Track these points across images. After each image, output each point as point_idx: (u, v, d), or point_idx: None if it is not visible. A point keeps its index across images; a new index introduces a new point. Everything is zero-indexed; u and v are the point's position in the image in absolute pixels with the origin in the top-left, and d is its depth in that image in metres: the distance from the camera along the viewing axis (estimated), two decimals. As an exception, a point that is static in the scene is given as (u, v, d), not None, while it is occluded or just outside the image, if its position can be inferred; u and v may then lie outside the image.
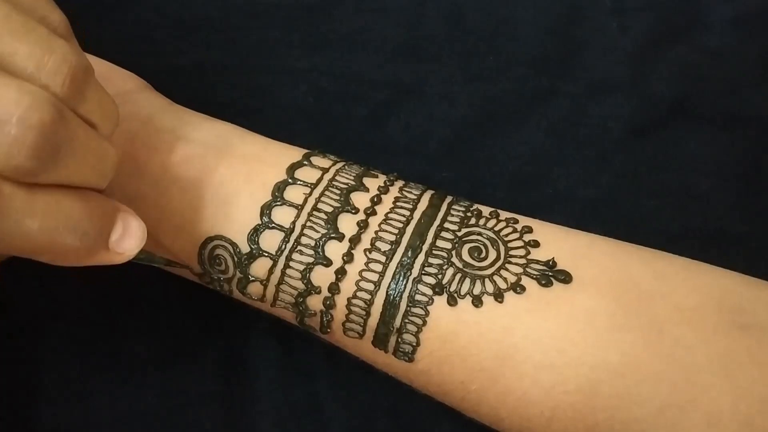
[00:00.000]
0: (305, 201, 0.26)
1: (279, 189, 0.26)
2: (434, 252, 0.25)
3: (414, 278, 0.25)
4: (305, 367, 0.30)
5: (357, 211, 0.26)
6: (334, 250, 0.25)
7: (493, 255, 0.25)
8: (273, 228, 0.26)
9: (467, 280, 0.25)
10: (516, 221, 0.26)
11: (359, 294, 0.25)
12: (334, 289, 0.25)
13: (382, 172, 0.28)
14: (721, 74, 0.34)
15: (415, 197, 0.27)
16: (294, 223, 0.26)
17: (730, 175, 0.33)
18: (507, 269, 0.25)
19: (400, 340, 0.25)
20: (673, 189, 0.33)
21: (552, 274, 0.24)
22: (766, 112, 0.34)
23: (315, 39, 0.36)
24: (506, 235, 0.26)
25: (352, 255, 0.25)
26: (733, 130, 0.33)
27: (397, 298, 0.25)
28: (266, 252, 0.26)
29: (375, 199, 0.26)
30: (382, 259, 0.25)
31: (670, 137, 0.34)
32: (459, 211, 0.26)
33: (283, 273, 0.26)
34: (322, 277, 0.25)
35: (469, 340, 0.24)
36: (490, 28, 0.36)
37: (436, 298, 0.24)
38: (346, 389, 0.30)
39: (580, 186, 0.33)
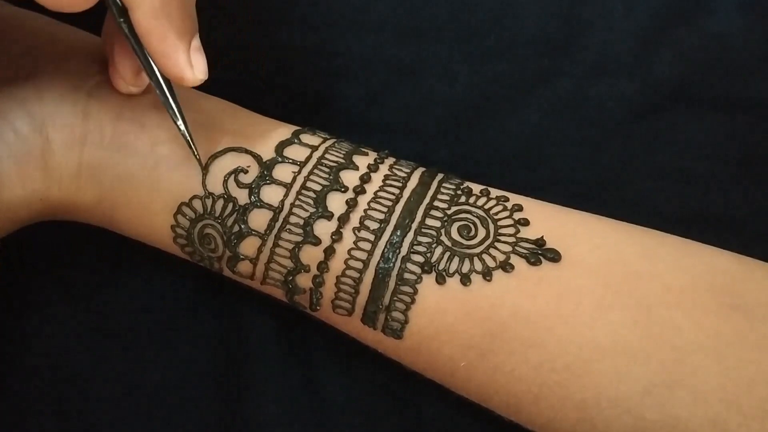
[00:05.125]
0: (294, 179, 0.26)
1: (267, 167, 0.26)
2: (423, 230, 0.25)
3: (403, 256, 0.25)
4: (303, 346, 0.30)
5: (346, 189, 0.26)
6: (323, 229, 0.25)
7: (482, 233, 0.25)
8: (261, 207, 0.26)
9: (456, 259, 0.24)
10: (506, 199, 0.26)
11: (348, 272, 0.25)
12: (323, 267, 0.25)
13: (373, 149, 0.28)
14: (724, 59, 0.34)
15: (405, 175, 0.26)
16: (282, 202, 0.26)
17: (729, 159, 0.32)
18: (496, 247, 0.25)
19: (388, 317, 0.25)
20: (671, 172, 0.32)
21: (541, 253, 0.24)
22: (768, 97, 0.33)
23: (313, 18, 0.36)
24: (496, 213, 0.26)
25: (341, 234, 0.25)
26: (734, 114, 0.33)
27: (386, 277, 0.25)
28: (255, 231, 0.26)
29: (364, 177, 0.26)
30: (371, 237, 0.25)
31: (671, 120, 0.33)
32: (449, 189, 0.26)
33: (272, 252, 0.26)
34: (311, 255, 0.25)
35: (457, 318, 0.24)
36: (493, 8, 0.35)
37: (424, 276, 0.24)
38: (344, 367, 0.30)
39: (578, 167, 0.33)
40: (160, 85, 0.25)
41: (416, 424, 0.29)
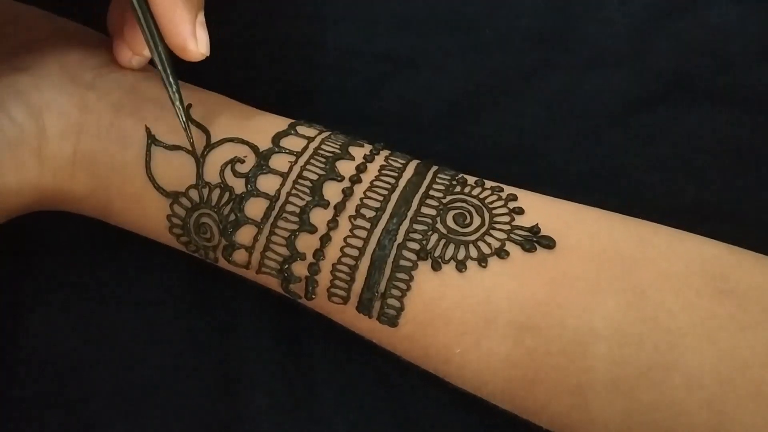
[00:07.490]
0: (290, 169, 0.26)
1: (264, 157, 0.26)
2: (419, 218, 0.25)
3: (399, 243, 0.25)
4: (297, 340, 0.30)
5: (342, 178, 0.26)
6: (319, 217, 0.25)
7: (477, 221, 0.25)
8: (258, 195, 0.26)
9: (451, 246, 0.25)
10: (501, 189, 0.26)
11: (344, 260, 0.25)
12: (319, 255, 0.25)
13: (368, 142, 0.28)
14: (721, 50, 0.34)
15: (400, 166, 0.27)
16: (279, 190, 0.26)
17: (725, 151, 0.32)
18: (491, 235, 0.25)
19: (384, 304, 0.25)
20: (667, 164, 0.32)
21: (536, 240, 0.25)
22: (764, 89, 0.33)
23: (308, 11, 0.36)
24: (491, 202, 0.26)
25: (337, 221, 0.25)
26: (731, 106, 0.33)
27: (382, 263, 0.25)
28: (251, 219, 0.26)
29: (360, 167, 0.26)
30: (367, 225, 0.25)
31: (667, 112, 0.33)
32: (444, 179, 0.26)
33: (268, 240, 0.26)
34: (307, 243, 0.25)
35: (453, 304, 0.24)
36: (489, 1, 0.36)
37: (420, 263, 0.25)
38: (338, 361, 0.30)
39: (574, 160, 0.33)
40: (161, 58, 0.25)
41: (410, 419, 0.29)
